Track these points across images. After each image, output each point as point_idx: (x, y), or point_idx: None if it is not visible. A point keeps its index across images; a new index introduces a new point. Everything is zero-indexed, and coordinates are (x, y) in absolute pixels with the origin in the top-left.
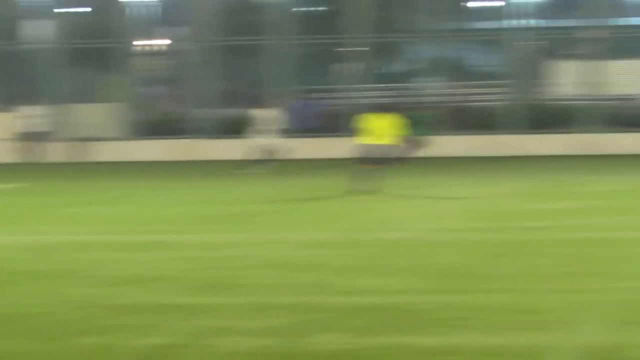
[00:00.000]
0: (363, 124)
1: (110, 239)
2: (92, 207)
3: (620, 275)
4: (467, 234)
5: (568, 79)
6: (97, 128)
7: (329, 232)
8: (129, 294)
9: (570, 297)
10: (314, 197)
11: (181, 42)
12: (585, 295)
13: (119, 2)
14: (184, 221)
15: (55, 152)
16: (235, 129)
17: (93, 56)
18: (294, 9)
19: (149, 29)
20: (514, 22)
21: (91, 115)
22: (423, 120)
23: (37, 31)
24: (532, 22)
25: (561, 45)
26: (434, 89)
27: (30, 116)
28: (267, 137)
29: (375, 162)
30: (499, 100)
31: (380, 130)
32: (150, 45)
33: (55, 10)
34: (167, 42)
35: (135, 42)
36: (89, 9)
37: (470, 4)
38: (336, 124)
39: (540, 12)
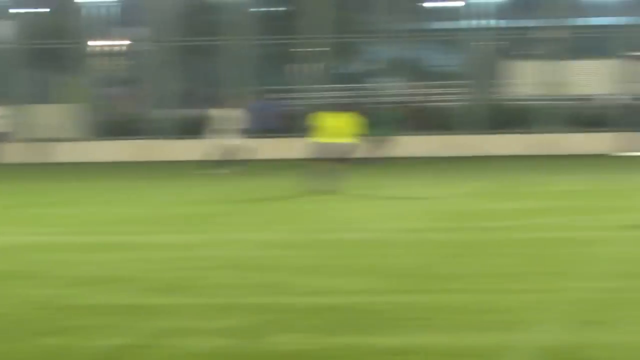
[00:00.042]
0: (318, 122)
1: (70, 240)
2: (52, 208)
3: (580, 275)
4: (428, 234)
5: (527, 79)
6: (57, 129)
7: (289, 233)
8: (89, 295)
9: (530, 296)
10: (274, 198)
11: (140, 43)
12: (545, 295)
13: (77, 2)
14: (144, 222)
15: (14, 153)
16: (194, 129)
17: (52, 57)
18: (253, 10)
19: (107, 29)
20: (473, 23)
21: (50, 115)
22: (383, 120)
23: None
24: (492, 23)
25: (520, 46)
26: (394, 89)
27: None
28: (227, 137)
29: (334, 162)
30: (459, 100)
31: (337, 129)
32: (109, 45)
33: (11, 10)
34: (126, 42)
35: (94, 43)
36: (47, 10)
37: (429, 4)
38: (295, 124)
39: (499, 12)
